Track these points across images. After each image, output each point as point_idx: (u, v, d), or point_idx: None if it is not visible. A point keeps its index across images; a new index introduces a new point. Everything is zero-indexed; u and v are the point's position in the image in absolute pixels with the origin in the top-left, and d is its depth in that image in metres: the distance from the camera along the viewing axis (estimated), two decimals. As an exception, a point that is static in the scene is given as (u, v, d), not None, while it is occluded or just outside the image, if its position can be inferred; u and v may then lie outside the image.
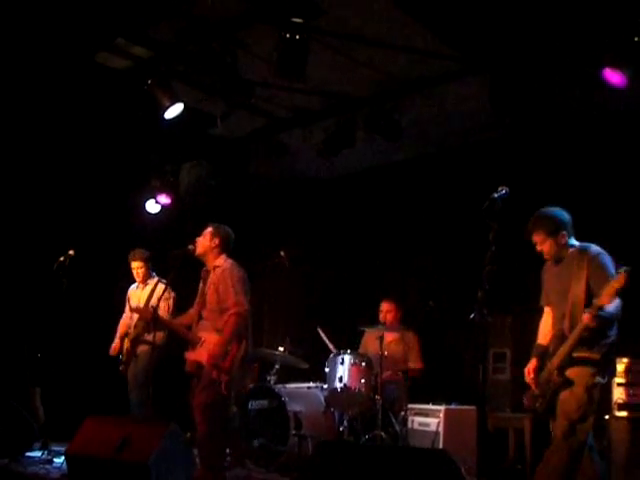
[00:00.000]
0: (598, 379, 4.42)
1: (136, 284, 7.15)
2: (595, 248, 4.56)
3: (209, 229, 5.71)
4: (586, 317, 4.24)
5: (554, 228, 4.58)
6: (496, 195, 4.15)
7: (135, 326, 6.68)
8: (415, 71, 6.89)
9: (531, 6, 5.63)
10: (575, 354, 4.39)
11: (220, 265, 5.62)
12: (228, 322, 5.40)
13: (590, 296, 4.34)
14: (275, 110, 7.91)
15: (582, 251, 4.56)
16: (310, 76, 6.24)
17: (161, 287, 6.29)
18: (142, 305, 6.31)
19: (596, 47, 5.74)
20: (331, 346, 7.25)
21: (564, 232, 4.58)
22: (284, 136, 8.38)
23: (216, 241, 5.66)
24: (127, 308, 7.09)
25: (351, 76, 7.08)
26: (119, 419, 5.38)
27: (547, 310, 4.82)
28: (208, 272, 5.70)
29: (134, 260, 7.05)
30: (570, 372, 4.42)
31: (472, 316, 3.93)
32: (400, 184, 8.52)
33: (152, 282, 6.77)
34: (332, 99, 7.59)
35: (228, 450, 6.27)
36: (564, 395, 4.42)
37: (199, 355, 5.48)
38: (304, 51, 5.98)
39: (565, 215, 4.65)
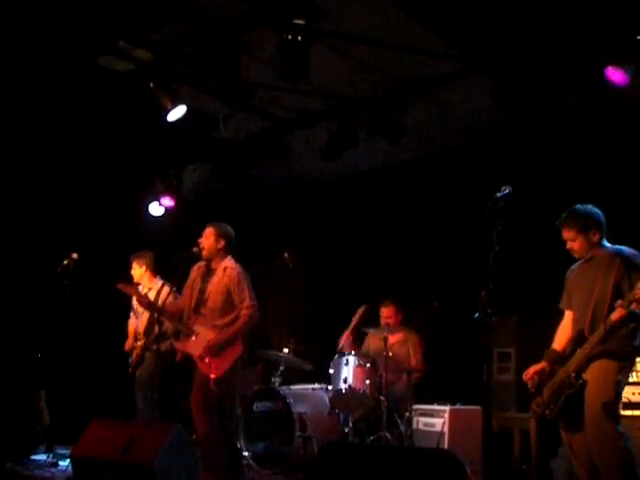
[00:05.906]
0: (624, 373, 4.34)
1: (141, 286, 7.14)
2: (629, 250, 4.46)
3: (211, 230, 5.67)
4: (616, 313, 4.14)
5: (586, 225, 4.47)
6: (499, 194, 4.13)
7: (145, 333, 6.69)
8: (417, 72, 6.88)
9: (533, 5, 5.63)
10: (599, 348, 4.26)
11: (231, 267, 5.60)
12: (240, 321, 5.46)
13: (617, 297, 4.23)
14: (278, 112, 7.91)
15: (614, 253, 4.45)
16: (313, 77, 6.24)
17: (166, 289, 6.31)
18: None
19: (598, 46, 5.74)
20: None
21: (596, 230, 4.48)
22: (287, 138, 8.39)
23: (222, 242, 5.64)
24: (132, 312, 7.09)
25: (353, 77, 7.08)
26: (124, 421, 5.39)
27: (567, 314, 4.71)
28: (211, 270, 5.67)
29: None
30: (592, 369, 4.30)
31: (476, 316, 3.92)
32: (403, 185, 8.51)
33: (158, 284, 6.78)
34: (335, 100, 7.59)
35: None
36: (589, 394, 4.28)
37: (190, 347, 5.52)
38: (306, 53, 5.98)
39: (599, 213, 4.54)
